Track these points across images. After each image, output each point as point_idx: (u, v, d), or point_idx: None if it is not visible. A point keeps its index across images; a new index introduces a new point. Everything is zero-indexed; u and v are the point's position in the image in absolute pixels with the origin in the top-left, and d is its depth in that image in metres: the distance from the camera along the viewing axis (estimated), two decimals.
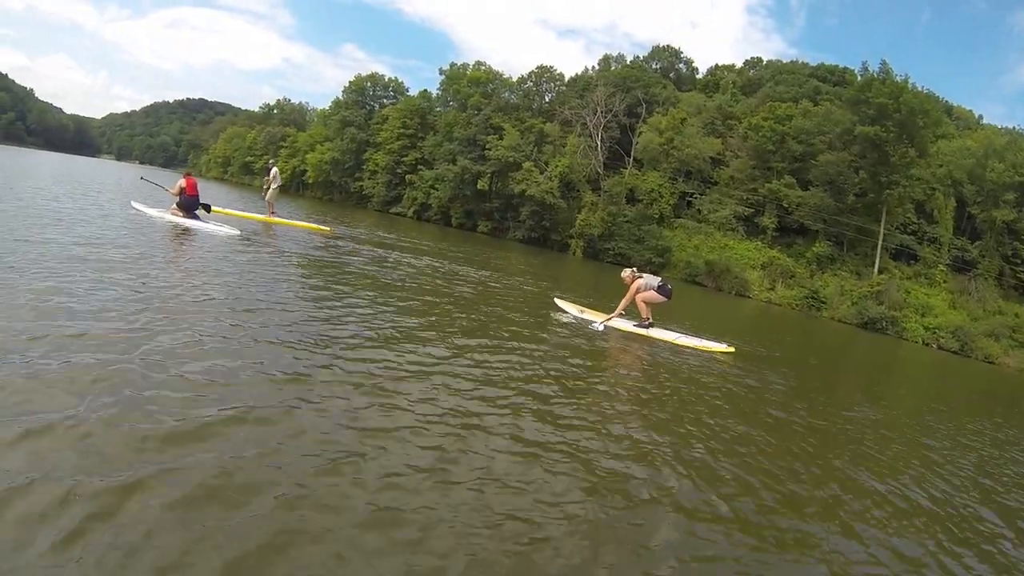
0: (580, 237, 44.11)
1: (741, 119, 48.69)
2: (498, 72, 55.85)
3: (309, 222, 20.45)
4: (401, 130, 58.73)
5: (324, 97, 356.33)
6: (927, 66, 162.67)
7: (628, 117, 48.81)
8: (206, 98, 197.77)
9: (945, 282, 39.26)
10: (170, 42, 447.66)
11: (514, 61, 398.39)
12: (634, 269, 11.04)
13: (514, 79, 55.99)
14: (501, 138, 48.14)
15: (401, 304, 8.79)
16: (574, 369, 6.91)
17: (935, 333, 33.24)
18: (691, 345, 10.37)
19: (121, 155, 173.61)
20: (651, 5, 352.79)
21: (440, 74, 58.98)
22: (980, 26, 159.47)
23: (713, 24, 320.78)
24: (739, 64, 63.38)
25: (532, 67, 61.54)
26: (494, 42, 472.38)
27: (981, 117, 59.49)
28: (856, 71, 48.84)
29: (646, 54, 61.94)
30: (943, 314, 34.95)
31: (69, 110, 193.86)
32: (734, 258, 40.46)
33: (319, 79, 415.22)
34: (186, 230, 12.89)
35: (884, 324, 33.64)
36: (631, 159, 48.07)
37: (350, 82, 69.97)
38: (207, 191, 19.37)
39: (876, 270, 38.62)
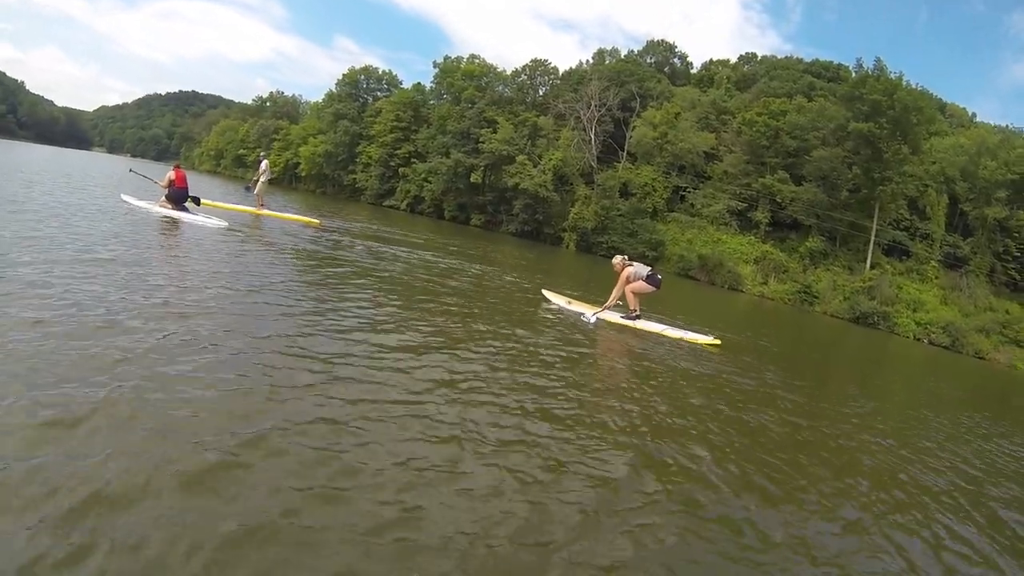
0: (573, 230, 44.00)
1: (735, 114, 48.65)
2: (492, 65, 55.83)
3: (299, 214, 20.30)
4: (395, 123, 58.53)
5: (317, 89, 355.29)
6: (922, 63, 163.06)
7: (622, 111, 48.67)
8: (198, 90, 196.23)
9: (937, 278, 39.42)
10: (162, 34, 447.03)
11: (508, 54, 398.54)
12: (625, 256, 10.89)
13: (508, 72, 56.00)
14: (495, 131, 48.04)
15: (390, 297, 8.68)
16: (560, 362, 6.75)
17: (926, 328, 33.34)
18: (678, 337, 10.27)
19: (113, 148, 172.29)
20: None
21: (434, 67, 58.84)
22: (978, 26, 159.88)
23: (708, 19, 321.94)
24: (734, 59, 63.52)
25: (526, 60, 61.47)
26: (488, 35, 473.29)
27: (975, 115, 59.63)
28: (851, 68, 49.05)
29: (640, 48, 61.97)
30: (934, 310, 35.06)
31: (60, 103, 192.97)
32: (727, 252, 40.42)
33: (312, 71, 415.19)
34: (175, 222, 12.74)
35: (876, 319, 33.72)
36: (625, 153, 48.03)
37: (344, 75, 69.83)
38: (200, 184, 19.16)
39: (868, 265, 38.73)
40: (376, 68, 70.65)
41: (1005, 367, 29.59)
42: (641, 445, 4.60)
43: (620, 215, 43.06)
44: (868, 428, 7.28)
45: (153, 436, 3.14)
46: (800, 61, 57.80)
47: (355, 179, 62.78)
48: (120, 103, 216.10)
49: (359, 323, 6.51)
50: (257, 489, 2.89)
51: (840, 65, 54.50)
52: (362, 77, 69.42)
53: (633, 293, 10.44)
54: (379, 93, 68.92)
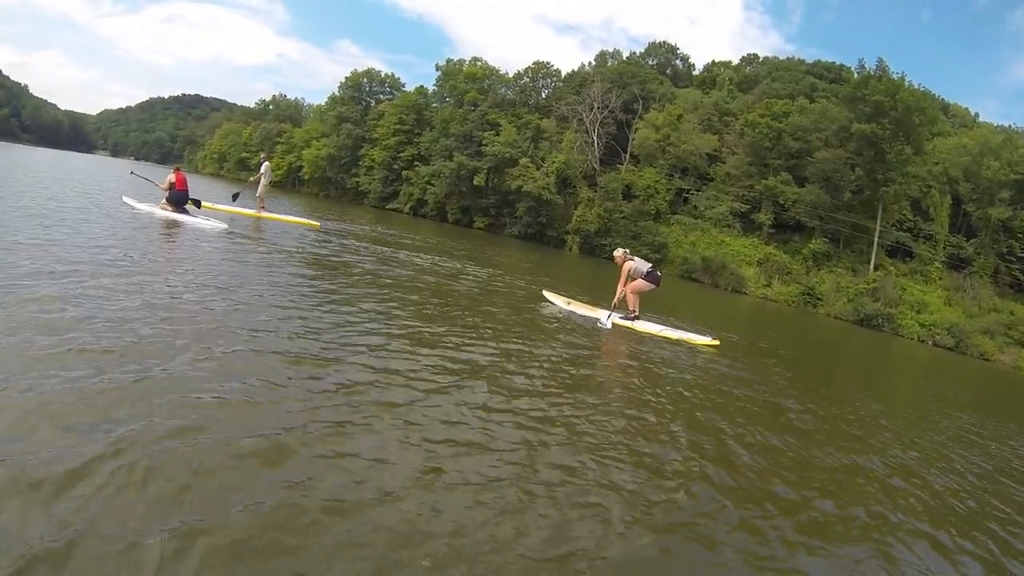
0: (576, 233, 44.05)
1: (738, 116, 48.77)
2: (495, 68, 55.91)
3: (299, 217, 20.36)
4: (397, 126, 58.58)
5: (320, 93, 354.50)
6: (924, 63, 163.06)
7: (625, 113, 48.80)
8: (202, 94, 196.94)
9: (940, 279, 39.42)
10: (165, 37, 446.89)
11: (510, 57, 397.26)
12: (626, 250, 11.03)
13: (511, 75, 56.08)
14: (498, 134, 48.07)
15: (395, 299, 8.72)
16: (561, 363, 6.82)
17: (930, 330, 33.35)
18: (676, 338, 10.35)
19: (116, 151, 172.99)
20: (648, 1, 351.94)
21: (436, 70, 58.91)
22: (979, 23, 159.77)
23: (710, 20, 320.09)
24: (736, 61, 63.66)
25: (528, 62, 61.58)
26: (490, 37, 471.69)
27: (977, 115, 59.69)
28: (853, 68, 49.18)
29: (643, 50, 62.14)
30: (938, 311, 35.07)
31: (64, 106, 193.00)
32: (730, 254, 40.47)
33: (314, 75, 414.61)
34: (176, 224, 12.86)
35: (880, 321, 33.72)
36: (627, 155, 48.13)
37: (346, 78, 69.97)
38: (203, 187, 19.15)
39: (872, 267, 38.76)
40: (379, 71, 70.96)
41: (1010, 368, 29.60)
42: (634, 446, 4.64)
43: (623, 217, 43.11)
44: (874, 430, 7.33)
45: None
46: (802, 62, 57.93)
47: (358, 182, 62.81)
48: (123, 106, 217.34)
49: (378, 329, 6.57)
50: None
51: (842, 66, 54.68)
52: (365, 80, 69.58)
53: (633, 293, 10.54)
54: (382, 96, 69.09)
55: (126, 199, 15.42)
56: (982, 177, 40.10)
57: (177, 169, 14.79)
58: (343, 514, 2.89)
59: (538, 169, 45.99)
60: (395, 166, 58.08)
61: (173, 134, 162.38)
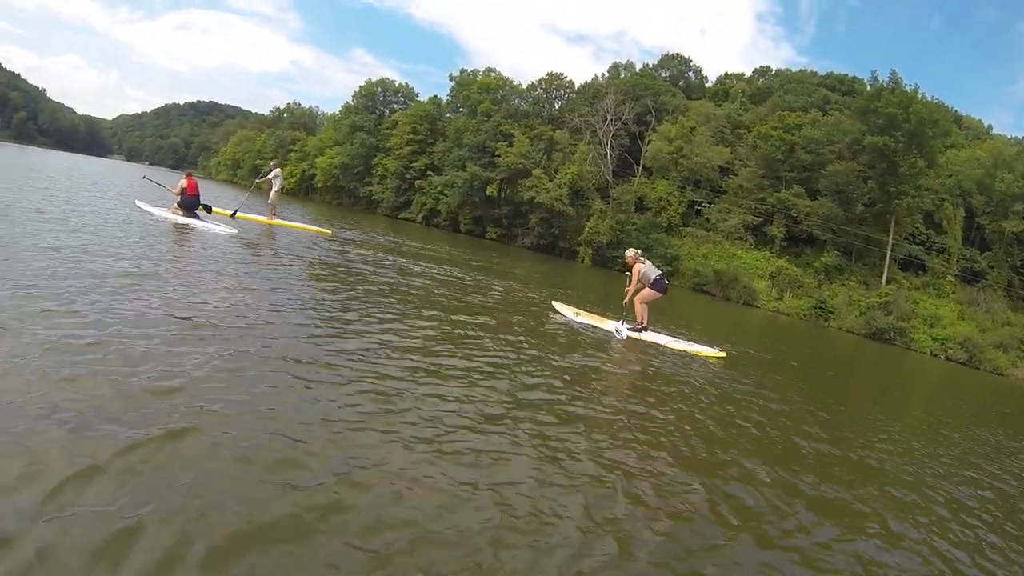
0: (589, 245, 44.23)
1: (750, 128, 48.92)
2: (508, 79, 56.27)
3: (310, 224, 20.53)
4: (411, 135, 59.11)
5: (333, 101, 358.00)
6: (937, 74, 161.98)
7: (637, 125, 49.05)
8: (216, 100, 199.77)
9: (954, 293, 39.31)
10: (181, 44, 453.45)
11: (523, 66, 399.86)
12: (638, 252, 11.09)
13: (524, 85, 56.56)
14: (511, 145, 48.44)
15: (407, 308, 8.89)
16: (571, 376, 6.91)
17: (943, 344, 33.29)
18: (683, 349, 10.42)
19: (132, 156, 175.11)
20: (660, 12, 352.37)
21: (450, 80, 59.41)
22: (991, 33, 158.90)
23: (722, 31, 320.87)
24: (748, 73, 63.73)
25: (541, 72, 61.98)
26: (503, 48, 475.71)
27: (990, 127, 59.43)
28: (865, 81, 49.25)
29: (655, 62, 62.33)
30: (951, 325, 34.99)
31: (81, 110, 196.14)
32: (742, 267, 40.56)
33: (328, 83, 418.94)
34: (187, 229, 13.24)
35: (892, 334, 33.69)
36: (640, 167, 48.35)
37: (360, 87, 70.62)
38: (215, 193, 19.38)
39: (884, 280, 38.71)
40: (392, 81, 71.57)
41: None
42: (643, 456, 4.62)
43: (635, 229, 43.27)
44: (890, 444, 7.43)
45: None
46: (815, 74, 57.96)
47: (371, 191, 63.29)
48: (139, 112, 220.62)
49: (396, 337, 6.77)
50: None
51: (855, 78, 54.66)
52: (379, 89, 70.17)
53: (641, 303, 10.67)
54: (395, 105, 69.64)
55: (138, 203, 15.91)
56: (995, 190, 40.02)
57: (189, 174, 15.22)
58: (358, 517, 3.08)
59: (551, 180, 46.31)
60: (408, 175, 58.52)
61: (188, 140, 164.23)
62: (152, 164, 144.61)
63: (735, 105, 54.09)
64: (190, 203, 14.55)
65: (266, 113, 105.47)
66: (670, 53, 62.39)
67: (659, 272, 10.88)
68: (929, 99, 40.80)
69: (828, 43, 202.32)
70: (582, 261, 44.13)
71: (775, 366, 12.89)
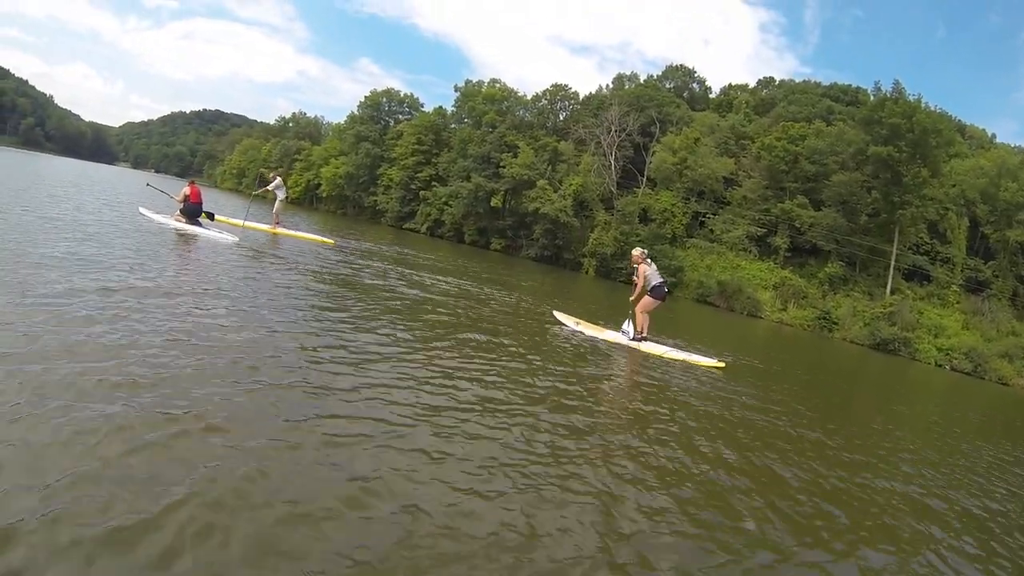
0: (593, 256, 44.31)
1: (754, 139, 49.08)
2: (513, 90, 56.54)
3: (314, 234, 20.61)
4: (416, 146, 59.32)
5: (339, 110, 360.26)
6: (941, 83, 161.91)
7: (642, 136, 49.20)
8: (222, 109, 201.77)
9: (958, 303, 39.32)
10: (187, 53, 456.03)
11: (528, 77, 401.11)
12: (644, 251, 11.16)
13: (528, 96, 56.85)
14: (515, 156, 48.63)
15: (411, 320, 9.02)
16: (567, 384, 7.05)
17: (948, 354, 33.27)
18: (681, 359, 10.48)
19: (138, 163, 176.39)
20: (663, 22, 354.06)
21: (455, 91, 59.74)
22: (995, 42, 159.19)
23: (726, 42, 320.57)
24: (752, 83, 64.18)
25: (545, 83, 62.30)
26: (508, 58, 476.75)
27: (994, 136, 59.55)
28: (869, 91, 49.37)
29: (659, 73, 62.66)
30: (956, 335, 34.98)
31: (88, 117, 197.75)
32: (746, 278, 40.64)
33: (334, 92, 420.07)
34: (189, 236, 13.48)
35: (896, 345, 33.69)
36: (644, 178, 48.54)
37: (366, 97, 70.98)
38: (220, 201, 19.46)
39: (888, 291, 38.73)
40: (398, 91, 71.98)
41: None
42: (635, 463, 4.58)
43: (639, 241, 43.12)
44: (897, 454, 7.50)
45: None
46: (818, 85, 58.22)
47: (376, 201, 63.42)
48: (146, 119, 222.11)
49: (398, 349, 6.93)
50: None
51: (859, 88, 54.90)
52: (384, 100, 70.57)
53: (642, 312, 10.78)
54: (400, 116, 69.94)
55: (142, 210, 16.20)
56: (1000, 199, 40.16)
57: (192, 182, 15.47)
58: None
59: (555, 191, 46.49)
60: (413, 186, 58.71)
61: (193, 148, 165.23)
62: (158, 172, 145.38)
63: (739, 116, 54.30)
64: (193, 210, 14.80)
65: (272, 122, 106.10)
66: (674, 64, 62.81)
67: (661, 279, 10.94)
68: (933, 109, 41.00)
69: (831, 53, 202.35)
70: (586, 272, 44.22)
71: (776, 376, 12.89)
